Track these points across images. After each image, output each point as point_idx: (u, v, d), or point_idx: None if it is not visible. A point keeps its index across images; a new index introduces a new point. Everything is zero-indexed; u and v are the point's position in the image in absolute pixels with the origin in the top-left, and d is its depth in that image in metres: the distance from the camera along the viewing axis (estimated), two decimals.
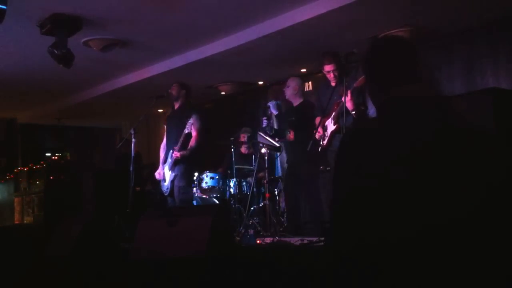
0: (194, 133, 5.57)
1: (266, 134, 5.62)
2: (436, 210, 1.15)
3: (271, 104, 5.80)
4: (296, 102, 5.74)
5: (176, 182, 5.64)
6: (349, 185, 1.27)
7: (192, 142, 5.59)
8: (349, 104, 4.53)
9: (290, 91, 5.71)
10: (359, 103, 4.67)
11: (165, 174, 5.75)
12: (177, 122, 5.74)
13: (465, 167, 1.17)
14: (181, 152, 5.53)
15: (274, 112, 5.75)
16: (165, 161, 5.79)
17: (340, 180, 1.33)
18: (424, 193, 1.17)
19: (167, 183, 5.72)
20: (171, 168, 5.64)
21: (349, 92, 4.48)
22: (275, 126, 5.90)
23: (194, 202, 6.30)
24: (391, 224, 1.17)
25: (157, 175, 5.89)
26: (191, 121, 5.46)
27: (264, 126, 5.76)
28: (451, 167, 1.17)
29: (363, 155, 1.26)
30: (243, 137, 6.93)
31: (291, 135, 5.57)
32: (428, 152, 1.20)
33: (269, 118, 5.83)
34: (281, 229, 5.46)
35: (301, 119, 5.52)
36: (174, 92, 5.80)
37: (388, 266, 1.14)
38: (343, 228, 1.24)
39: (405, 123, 1.29)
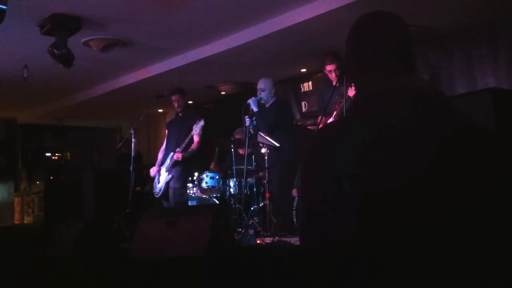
0: (196, 138, 5.64)
1: (249, 133, 5.46)
2: (435, 209, 1.15)
3: (251, 101, 5.47)
4: (269, 102, 5.52)
5: (171, 184, 5.74)
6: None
7: (194, 146, 5.69)
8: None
9: (267, 94, 5.47)
10: None
11: (161, 175, 5.81)
12: (179, 126, 5.87)
13: (466, 167, 1.17)
14: (183, 154, 5.62)
15: (255, 109, 5.44)
16: (162, 163, 5.85)
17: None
18: (423, 193, 1.17)
19: (160, 185, 5.79)
20: (168, 170, 5.70)
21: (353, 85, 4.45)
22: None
23: (194, 203, 6.30)
24: (389, 224, 1.17)
25: (152, 171, 5.95)
26: (201, 123, 5.51)
27: (247, 125, 5.44)
28: (450, 165, 1.17)
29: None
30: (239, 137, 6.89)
31: None
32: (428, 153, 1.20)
33: (252, 116, 5.49)
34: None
35: (277, 120, 5.35)
36: (181, 102, 5.86)
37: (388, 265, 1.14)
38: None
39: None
